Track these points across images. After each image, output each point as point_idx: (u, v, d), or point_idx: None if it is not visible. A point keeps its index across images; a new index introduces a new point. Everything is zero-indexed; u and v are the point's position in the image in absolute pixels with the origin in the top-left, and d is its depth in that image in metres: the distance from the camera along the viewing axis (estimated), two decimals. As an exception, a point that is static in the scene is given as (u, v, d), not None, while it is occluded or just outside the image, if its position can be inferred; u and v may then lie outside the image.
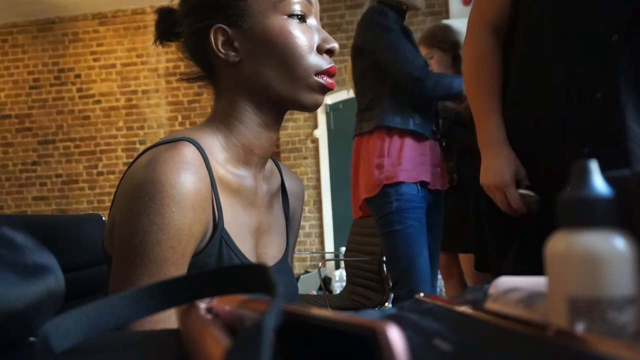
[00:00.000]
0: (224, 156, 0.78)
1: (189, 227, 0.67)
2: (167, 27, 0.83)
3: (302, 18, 0.78)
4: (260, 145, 0.80)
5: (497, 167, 1.11)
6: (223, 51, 0.77)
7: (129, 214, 0.67)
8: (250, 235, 0.80)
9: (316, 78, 0.77)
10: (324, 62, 0.78)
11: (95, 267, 1.07)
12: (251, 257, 0.79)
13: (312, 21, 0.80)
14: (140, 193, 0.66)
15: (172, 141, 0.71)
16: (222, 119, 0.80)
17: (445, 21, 4.19)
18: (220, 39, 0.77)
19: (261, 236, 0.83)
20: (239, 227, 0.77)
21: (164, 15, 0.84)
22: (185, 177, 0.67)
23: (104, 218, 1.18)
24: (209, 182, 0.71)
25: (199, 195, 0.69)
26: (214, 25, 0.76)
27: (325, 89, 0.78)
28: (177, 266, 0.67)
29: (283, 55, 0.76)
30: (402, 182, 1.84)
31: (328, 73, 0.78)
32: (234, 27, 0.77)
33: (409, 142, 1.87)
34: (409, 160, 1.85)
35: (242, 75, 0.78)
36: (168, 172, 0.66)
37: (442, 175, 2.00)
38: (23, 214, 4.79)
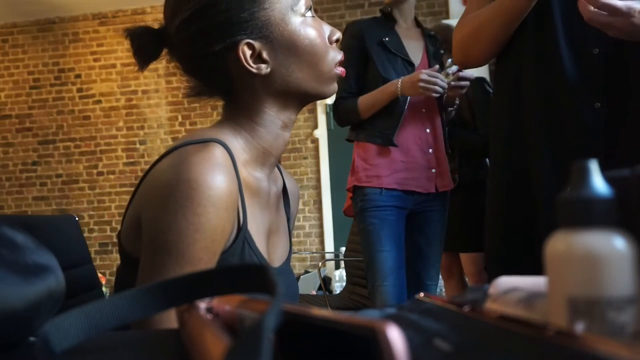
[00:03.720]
0: (244, 158, 0.79)
1: (222, 227, 0.68)
2: (152, 50, 0.79)
3: (312, 12, 0.80)
4: (277, 147, 0.82)
5: None
6: (254, 66, 0.76)
7: (163, 213, 0.67)
8: (264, 236, 0.81)
9: (335, 70, 0.81)
10: (337, 53, 0.81)
11: (70, 270, 1.05)
12: (266, 257, 0.80)
13: (312, 13, 0.81)
14: (175, 193, 0.66)
15: (200, 142, 0.71)
16: (242, 123, 0.80)
17: (445, 21, 4.19)
18: (248, 52, 0.75)
19: (271, 237, 0.84)
20: (257, 228, 0.78)
21: (143, 39, 0.79)
22: (221, 178, 0.68)
23: (77, 219, 1.16)
24: (237, 184, 0.72)
25: (231, 197, 0.70)
26: (241, 41, 0.75)
27: (339, 77, 0.83)
28: (209, 266, 0.67)
29: (310, 55, 0.78)
30: (365, 186, 1.91)
31: (341, 62, 0.82)
32: (260, 39, 0.76)
33: (374, 150, 1.93)
34: (379, 167, 1.91)
35: (272, 84, 0.78)
36: (204, 173, 0.67)
37: (439, 177, 1.96)
38: (23, 214, 4.79)
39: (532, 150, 1.10)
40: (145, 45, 0.79)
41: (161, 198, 0.68)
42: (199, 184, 0.66)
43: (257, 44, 0.76)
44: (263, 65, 0.76)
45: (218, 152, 0.70)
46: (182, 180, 0.66)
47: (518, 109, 1.14)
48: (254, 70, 0.76)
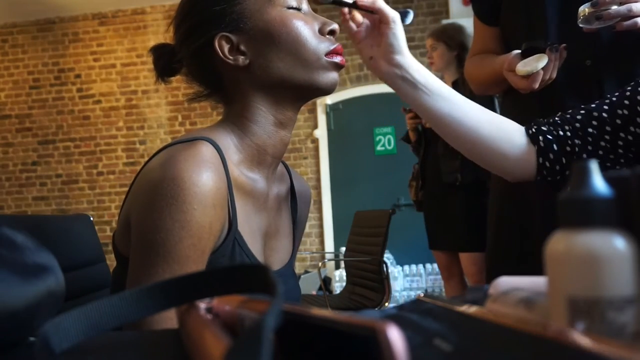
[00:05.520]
0: (238, 157, 0.78)
1: (209, 225, 0.68)
2: (165, 62, 0.84)
3: (297, 8, 0.79)
4: (273, 145, 0.81)
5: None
6: (231, 57, 0.77)
7: (150, 212, 0.67)
8: (260, 238, 0.80)
9: (327, 58, 0.78)
10: (329, 43, 0.79)
11: (84, 269, 1.07)
12: (260, 259, 0.79)
13: (306, 9, 0.81)
14: (161, 191, 0.66)
15: (189, 140, 0.72)
16: (235, 121, 0.80)
17: (445, 21, 4.19)
18: (226, 46, 0.77)
19: (269, 239, 0.83)
20: (250, 229, 0.78)
21: (159, 51, 0.85)
22: (207, 175, 0.68)
23: (91, 218, 1.18)
24: (226, 182, 0.72)
25: (219, 194, 0.69)
26: (216, 36, 0.77)
27: (338, 66, 0.79)
28: (197, 264, 0.67)
29: (290, 44, 0.76)
30: None
31: (336, 52, 0.79)
32: (236, 32, 0.77)
33: None
34: None
35: (254, 76, 0.78)
36: (190, 170, 0.67)
37: None
38: (23, 214, 4.79)
39: None
40: (160, 57, 0.84)
41: (147, 196, 0.68)
42: (184, 181, 0.66)
43: (233, 37, 0.77)
44: (241, 57, 0.77)
45: (205, 149, 0.70)
46: (167, 178, 0.66)
47: (520, 116, 1.18)
48: (232, 62, 0.77)
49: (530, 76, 1.00)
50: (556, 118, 0.83)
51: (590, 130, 0.79)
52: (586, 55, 1.05)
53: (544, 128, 0.81)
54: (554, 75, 1.02)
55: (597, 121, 0.79)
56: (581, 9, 0.93)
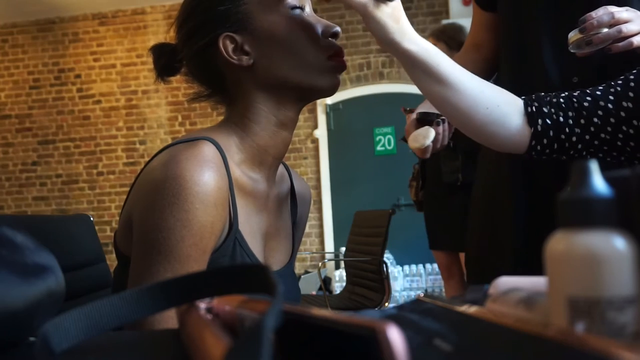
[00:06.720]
0: (239, 157, 0.79)
1: (211, 224, 0.68)
2: (165, 61, 0.84)
3: (301, 10, 0.79)
4: (275, 146, 0.81)
5: None
6: (235, 57, 0.77)
7: (151, 211, 0.67)
8: (260, 238, 0.81)
9: (329, 61, 0.78)
10: (332, 45, 0.79)
11: (84, 269, 1.07)
12: (260, 260, 0.79)
13: (309, 11, 0.81)
14: (163, 190, 0.66)
15: (191, 140, 0.72)
16: (237, 121, 0.80)
17: (445, 21, 4.19)
18: (230, 46, 0.77)
19: (269, 240, 0.84)
20: (251, 229, 0.78)
21: (159, 50, 0.85)
22: (209, 174, 0.68)
23: (91, 218, 1.18)
24: (227, 182, 0.72)
25: (220, 193, 0.69)
26: (220, 36, 0.77)
27: (340, 69, 0.80)
28: (199, 263, 0.67)
29: (293, 45, 0.77)
30: None
31: (338, 54, 0.79)
32: (241, 32, 0.77)
33: None
34: None
35: (257, 76, 0.78)
36: (191, 169, 0.67)
37: None
38: (23, 214, 4.79)
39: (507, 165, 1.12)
40: (160, 56, 0.84)
41: (149, 196, 0.68)
42: (186, 180, 0.66)
43: (237, 37, 0.77)
44: (245, 57, 0.77)
45: (206, 149, 0.70)
46: (169, 177, 0.67)
47: None
48: (236, 62, 0.77)
49: (423, 148, 1.06)
50: (560, 99, 0.80)
51: (595, 120, 0.77)
52: (574, 72, 1.01)
53: (544, 110, 0.79)
54: (445, 142, 1.09)
55: (602, 111, 0.78)
56: (571, 34, 0.89)
